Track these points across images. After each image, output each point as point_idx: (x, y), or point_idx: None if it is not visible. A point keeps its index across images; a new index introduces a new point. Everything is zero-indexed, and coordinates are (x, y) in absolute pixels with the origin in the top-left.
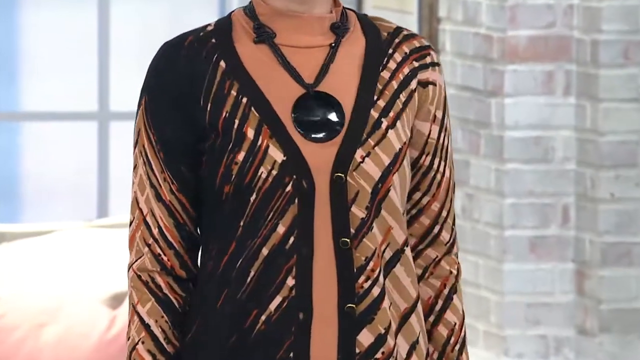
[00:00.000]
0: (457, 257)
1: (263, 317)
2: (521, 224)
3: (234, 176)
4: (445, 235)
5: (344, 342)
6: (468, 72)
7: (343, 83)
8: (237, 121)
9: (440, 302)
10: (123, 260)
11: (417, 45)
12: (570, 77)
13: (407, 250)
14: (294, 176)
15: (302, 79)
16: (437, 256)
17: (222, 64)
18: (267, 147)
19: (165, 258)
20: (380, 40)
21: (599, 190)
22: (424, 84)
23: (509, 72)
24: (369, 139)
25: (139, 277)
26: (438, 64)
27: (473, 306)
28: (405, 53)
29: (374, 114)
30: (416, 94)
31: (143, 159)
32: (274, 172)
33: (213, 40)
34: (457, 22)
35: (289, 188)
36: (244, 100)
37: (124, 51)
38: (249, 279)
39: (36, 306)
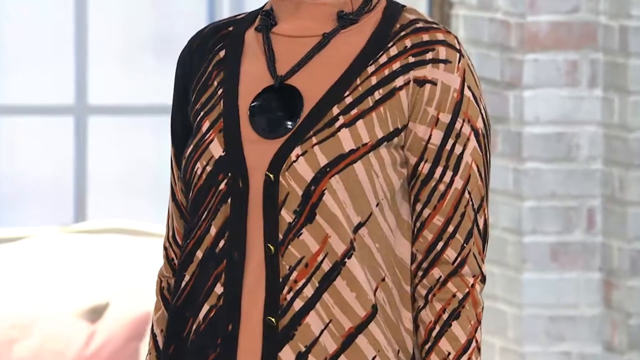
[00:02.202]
0: (473, 280)
1: (194, 327)
2: (542, 229)
3: (182, 171)
4: (450, 253)
5: (267, 359)
6: (483, 62)
7: (320, 76)
8: (202, 113)
9: (437, 328)
10: (102, 269)
11: (425, 39)
12: (596, 67)
13: (352, 263)
14: (229, 174)
15: (275, 69)
16: (440, 276)
17: (222, 53)
18: (211, 141)
19: (177, 263)
20: (387, 32)
21: (628, 192)
22: (420, 82)
23: (529, 62)
24: (313, 137)
25: (160, 282)
26: (446, 61)
27: (489, 320)
28: (405, 47)
29: (335, 110)
30: (403, 93)
31: (171, 157)
32: (208, 168)
33: (229, 29)
34: (471, 7)
35: (222, 186)
36: (220, 91)
37: (103, 38)
38: (184, 283)
39: (6, 320)
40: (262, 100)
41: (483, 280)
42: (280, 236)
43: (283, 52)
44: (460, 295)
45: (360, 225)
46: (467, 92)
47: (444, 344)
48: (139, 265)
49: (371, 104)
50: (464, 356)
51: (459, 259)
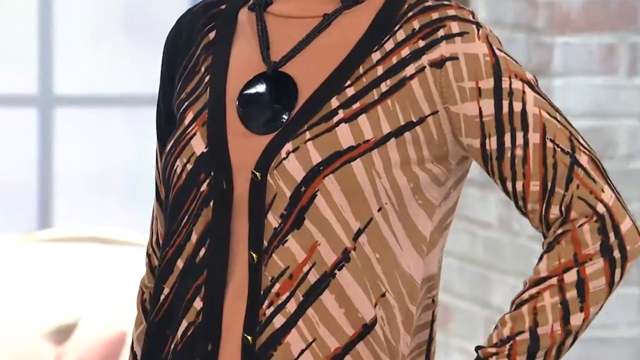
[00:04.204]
0: (583, 220)
1: (172, 346)
2: None
3: (161, 170)
4: (554, 210)
5: None
6: (507, 46)
7: (318, 63)
8: (186, 103)
9: None
10: (71, 283)
11: (434, 17)
12: (636, 51)
13: (343, 275)
14: (212, 173)
15: (268, 55)
16: (554, 232)
17: (212, 35)
18: (193, 135)
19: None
20: (394, 14)
21: None
22: (437, 64)
23: (559, 46)
24: (307, 132)
25: (142, 293)
26: (462, 34)
27: None
28: (413, 30)
29: (334, 103)
30: (416, 82)
31: (155, 152)
32: (189, 167)
33: (222, 7)
34: None
35: (204, 187)
36: (207, 78)
37: (70, 19)
38: (163, 297)
39: None
40: (252, 90)
41: (600, 219)
42: (265, 243)
43: (278, 35)
44: (559, 232)
45: (360, 231)
46: (499, 53)
47: (530, 277)
48: (112, 278)
49: (376, 97)
50: (534, 289)
51: (563, 209)
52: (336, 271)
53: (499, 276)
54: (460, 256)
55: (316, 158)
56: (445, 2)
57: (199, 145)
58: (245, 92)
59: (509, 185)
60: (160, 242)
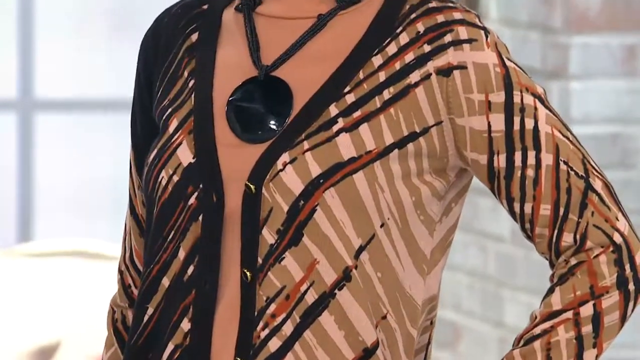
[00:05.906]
0: (600, 251)
1: None
2: None
3: (143, 181)
4: (567, 238)
5: None
6: (520, 47)
7: (313, 67)
8: (169, 110)
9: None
10: (52, 300)
11: (440, 20)
12: None
13: (344, 295)
14: (200, 185)
15: (259, 59)
16: (564, 261)
17: (194, 37)
18: (179, 145)
19: (135, 291)
20: (395, 14)
21: None
22: (444, 72)
23: (577, 47)
24: (305, 142)
25: (112, 312)
26: (470, 41)
27: None
28: (417, 33)
29: (333, 110)
30: (421, 90)
31: (130, 161)
32: (175, 179)
33: (204, 7)
34: None
35: (192, 201)
36: (191, 83)
37: (53, 20)
38: (146, 318)
39: None
40: (242, 95)
41: (617, 250)
42: (260, 261)
43: (269, 37)
44: (573, 262)
45: (361, 248)
46: (509, 63)
47: (539, 310)
48: (97, 296)
49: (379, 105)
50: (546, 323)
51: (577, 237)
52: (336, 291)
53: (512, 293)
54: (470, 272)
55: (316, 170)
56: (450, 4)
57: (185, 155)
58: (235, 98)
59: (517, 206)
60: (135, 258)
